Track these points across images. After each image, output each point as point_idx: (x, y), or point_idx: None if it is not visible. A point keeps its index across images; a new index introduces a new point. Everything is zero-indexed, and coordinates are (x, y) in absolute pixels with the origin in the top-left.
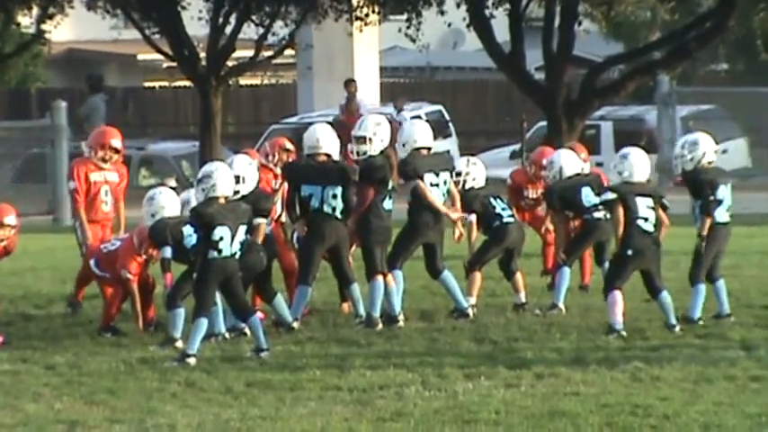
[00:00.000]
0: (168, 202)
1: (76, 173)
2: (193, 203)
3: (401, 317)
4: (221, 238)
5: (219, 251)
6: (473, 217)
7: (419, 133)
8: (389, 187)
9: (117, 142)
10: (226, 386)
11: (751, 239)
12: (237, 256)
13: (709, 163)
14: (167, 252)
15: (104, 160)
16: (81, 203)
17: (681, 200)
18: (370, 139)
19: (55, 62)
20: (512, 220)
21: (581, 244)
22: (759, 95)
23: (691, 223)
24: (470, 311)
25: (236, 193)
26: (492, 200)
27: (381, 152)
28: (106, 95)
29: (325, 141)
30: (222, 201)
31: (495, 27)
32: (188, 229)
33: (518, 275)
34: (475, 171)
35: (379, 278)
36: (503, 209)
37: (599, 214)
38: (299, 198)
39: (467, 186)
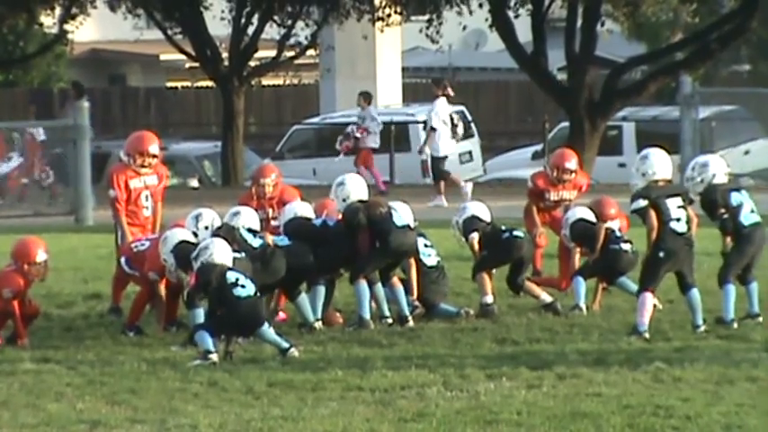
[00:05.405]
0: (182, 237)
1: (116, 181)
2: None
3: (410, 317)
4: (237, 279)
5: (243, 286)
6: (474, 234)
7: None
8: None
9: (155, 148)
10: (247, 386)
11: None
12: (259, 296)
13: (722, 184)
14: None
15: (143, 166)
16: (122, 211)
17: None
18: None
19: (77, 62)
20: (521, 234)
21: (599, 271)
22: None
23: (713, 224)
24: (495, 308)
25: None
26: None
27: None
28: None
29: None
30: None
31: (517, 27)
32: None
33: (527, 283)
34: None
35: (362, 281)
36: (510, 228)
37: (625, 246)
38: None
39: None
